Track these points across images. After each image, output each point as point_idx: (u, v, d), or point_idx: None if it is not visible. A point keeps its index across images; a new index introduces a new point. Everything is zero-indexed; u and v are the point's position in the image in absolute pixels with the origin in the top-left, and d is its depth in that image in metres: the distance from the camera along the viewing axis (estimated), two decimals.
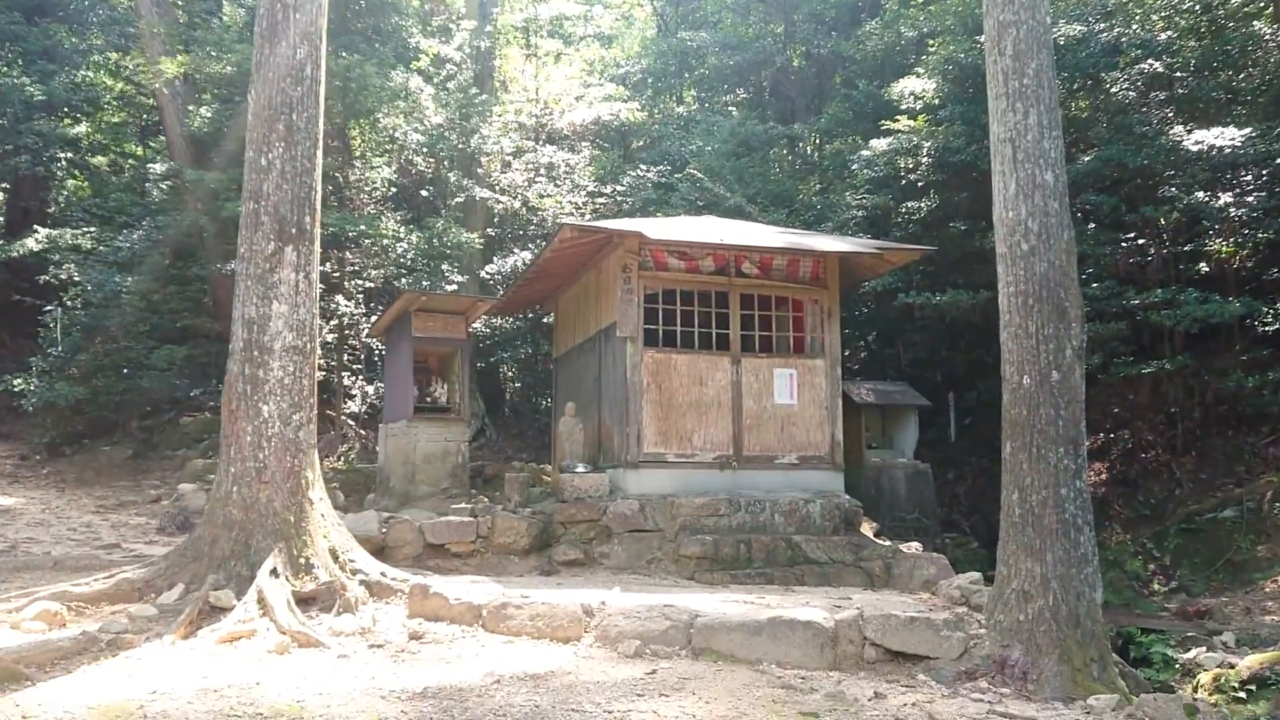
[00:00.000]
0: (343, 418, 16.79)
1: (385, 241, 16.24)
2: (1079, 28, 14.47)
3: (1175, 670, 9.21)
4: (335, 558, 7.31)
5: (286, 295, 7.39)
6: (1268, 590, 11.12)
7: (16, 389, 15.37)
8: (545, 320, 17.51)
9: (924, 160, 15.92)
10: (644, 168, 20.45)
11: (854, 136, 19.08)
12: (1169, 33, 14.59)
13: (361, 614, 6.77)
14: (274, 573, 6.70)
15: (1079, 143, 14.94)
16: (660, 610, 6.58)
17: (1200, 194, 13.34)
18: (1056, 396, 6.40)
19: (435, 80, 19.10)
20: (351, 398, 17.22)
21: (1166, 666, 9.35)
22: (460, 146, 18.58)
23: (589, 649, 6.31)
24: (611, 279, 11.14)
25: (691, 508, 10.05)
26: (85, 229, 16.53)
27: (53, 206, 18.38)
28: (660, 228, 11.28)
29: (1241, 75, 14.63)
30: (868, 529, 11.15)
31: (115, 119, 20.71)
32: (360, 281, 17.00)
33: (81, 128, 19.05)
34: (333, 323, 16.31)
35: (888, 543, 10.75)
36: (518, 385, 20.80)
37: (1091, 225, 14.10)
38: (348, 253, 16.78)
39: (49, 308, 16.12)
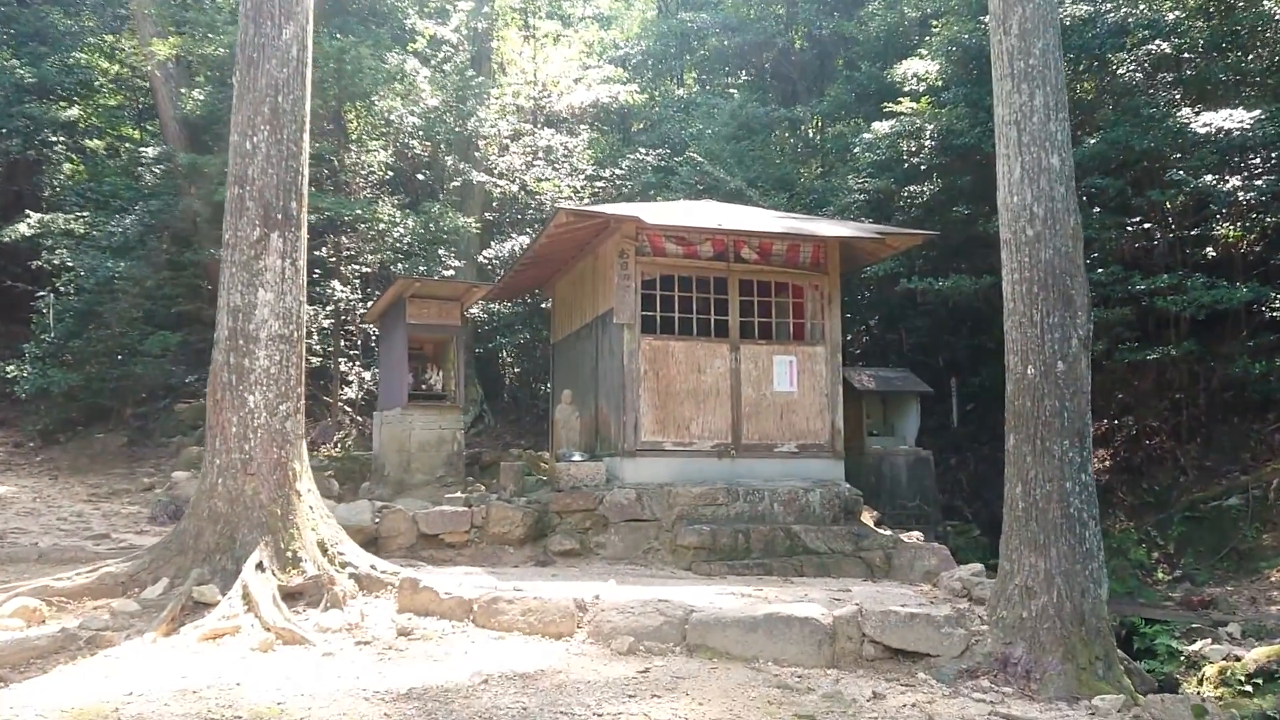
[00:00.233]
0: (339, 404, 16.66)
1: (381, 226, 16.10)
2: (1085, 7, 14.19)
3: (1180, 662, 9.06)
4: (324, 550, 7.17)
5: (273, 283, 7.23)
6: (1273, 579, 10.98)
7: (9, 376, 15.23)
8: (544, 305, 17.34)
9: (927, 143, 15.73)
10: (643, 151, 20.23)
11: (856, 119, 18.87)
12: (1177, 13, 14.32)
13: (350, 609, 6.63)
14: (260, 567, 6.56)
15: (1085, 125, 14.69)
16: (655, 605, 6.44)
17: (1208, 177, 13.10)
18: (1062, 388, 6.21)
19: (432, 62, 18.88)
20: (349, 384, 17.08)
21: (1171, 658, 9.20)
22: (457, 129, 18.39)
23: (581, 645, 6.17)
24: (609, 265, 10.95)
25: (689, 497, 9.91)
26: (79, 213, 16.31)
27: (46, 190, 18.13)
28: (658, 212, 11.08)
29: (1251, 56, 14.39)
30: (868, 517, 11.01)
31: (111, 102, 20.43)
32: (356, 266, 16.87)
33: (75, 111, 18.78)
34: (329, 308, 16.17)
35: (888, 532, 10.62)
36: (516, 371, 20.64)
37: (1097, 209, 13.91)
38: (344, 237, 16.65)
39: (42, 293, 15.95)
